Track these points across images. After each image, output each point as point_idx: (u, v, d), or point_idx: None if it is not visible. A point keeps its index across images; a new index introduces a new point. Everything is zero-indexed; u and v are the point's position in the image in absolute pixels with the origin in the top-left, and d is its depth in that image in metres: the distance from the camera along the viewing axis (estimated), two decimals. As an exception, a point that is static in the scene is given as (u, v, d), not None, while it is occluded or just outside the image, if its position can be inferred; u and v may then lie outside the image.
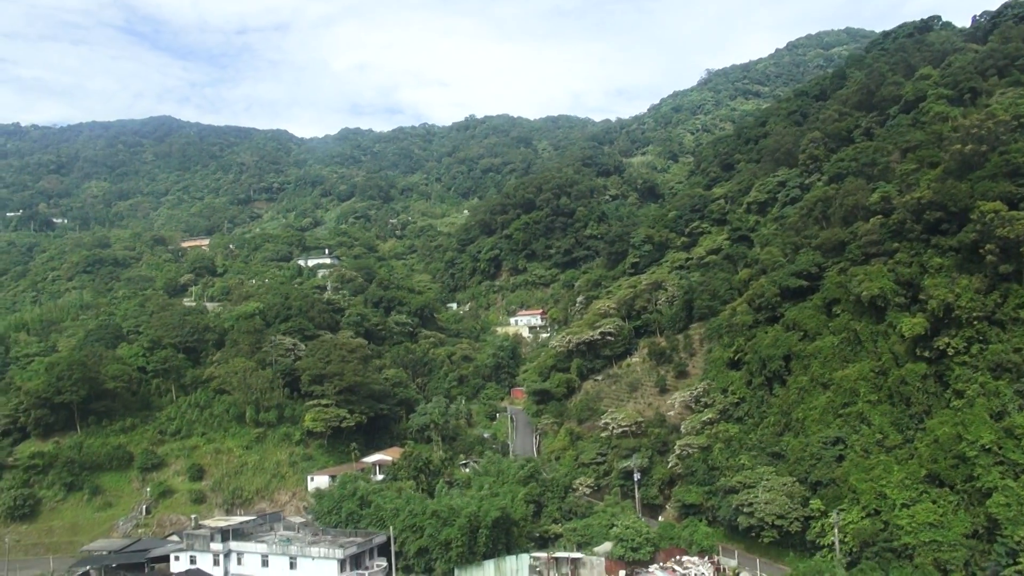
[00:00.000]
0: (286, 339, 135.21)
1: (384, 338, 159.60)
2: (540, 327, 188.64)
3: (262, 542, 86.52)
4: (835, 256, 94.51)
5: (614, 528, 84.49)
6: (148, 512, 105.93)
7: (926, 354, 78.00)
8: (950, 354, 76.27)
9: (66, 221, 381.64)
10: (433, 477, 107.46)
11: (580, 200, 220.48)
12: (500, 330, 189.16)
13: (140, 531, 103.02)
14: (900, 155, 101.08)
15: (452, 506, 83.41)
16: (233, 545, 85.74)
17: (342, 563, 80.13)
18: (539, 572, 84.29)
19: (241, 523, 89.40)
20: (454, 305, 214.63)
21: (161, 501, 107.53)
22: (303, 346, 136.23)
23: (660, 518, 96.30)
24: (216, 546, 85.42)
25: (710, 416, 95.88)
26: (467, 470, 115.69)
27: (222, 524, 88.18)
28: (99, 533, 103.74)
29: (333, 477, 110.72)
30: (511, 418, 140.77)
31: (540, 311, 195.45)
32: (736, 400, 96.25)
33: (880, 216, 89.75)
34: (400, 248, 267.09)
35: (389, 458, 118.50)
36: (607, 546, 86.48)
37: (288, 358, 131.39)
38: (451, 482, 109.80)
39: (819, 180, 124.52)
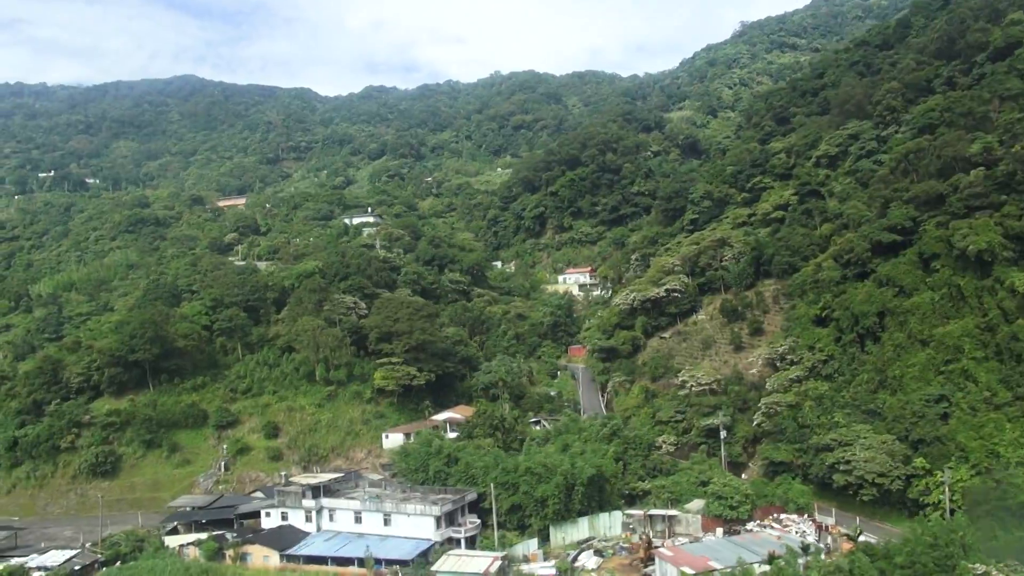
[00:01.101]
0: (347, 297, 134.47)
1: (439, 296, 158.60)
2: (590, 285, 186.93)
3: (353, 498, 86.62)
4: (931, 210, 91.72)
5: (709, 485, 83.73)
6: (227, 469, 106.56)
7: (1038, 310, 75.82)
8: (1065, 309, 74.06)
9: (98, 181, 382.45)
10: (508, 435, 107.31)
11: (626, 156, 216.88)
12: (550, 288, 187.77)
13: (221, 488, 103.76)
14: (999, 104, 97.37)
15: (546, 463, 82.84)
16: (325, 502, 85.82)
17: (438, 519, 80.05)
18: (632, 529, 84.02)
19: (332, 479, 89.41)
20: (498, 264, 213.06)
21: (239, 458, 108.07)
22: (363, 304, 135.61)
23: (743, 476, 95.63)
24: (308, 503, 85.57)
25: (797, 374, 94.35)
26: (538, 428, 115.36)
27: (312, 481, 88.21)
28: (180, 489, 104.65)
29: (407, 435, 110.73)
30: (573, 376, 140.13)
31: (589, 269, 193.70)
32: (824, 358, 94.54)
33: (982, 168, 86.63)
34: (439, 206, 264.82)
35: (459, 416, 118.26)
36: (699, 503, 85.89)
37: (349, 316, 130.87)
38: (524, 439, 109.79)
39: (898, 132, 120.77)
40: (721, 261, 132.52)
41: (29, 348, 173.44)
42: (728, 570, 60.59)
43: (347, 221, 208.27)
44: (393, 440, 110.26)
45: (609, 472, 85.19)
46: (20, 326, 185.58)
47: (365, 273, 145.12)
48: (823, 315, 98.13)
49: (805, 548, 63.85)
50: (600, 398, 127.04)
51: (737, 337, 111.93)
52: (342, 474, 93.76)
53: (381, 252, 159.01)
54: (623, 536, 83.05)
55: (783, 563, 58.66)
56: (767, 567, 60.22)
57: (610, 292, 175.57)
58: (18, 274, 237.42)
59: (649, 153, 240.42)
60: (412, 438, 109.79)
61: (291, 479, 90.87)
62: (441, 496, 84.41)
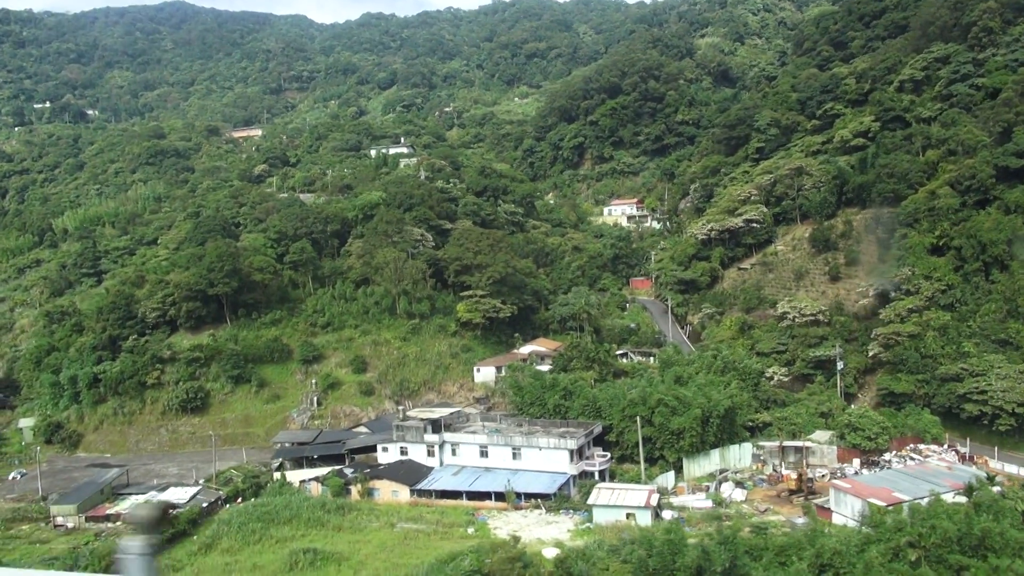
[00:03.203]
0: (415, 229, 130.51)
1: (496, 228, 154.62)
2: (639, 217, 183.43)
3: (475, 432, 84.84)
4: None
5: (841, 416, 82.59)
6: (319, 404, 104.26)
7: None
8: None
9: (97, 113, 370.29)
10: (603, 367, 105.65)
11: (668, 84, 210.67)
12: (598, 220, 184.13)
13: (317, 423, 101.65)
14: None
15: (679, 396, 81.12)
16: (448, 436, 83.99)
17: (572, 453, 78.50)
18: (763, 460, 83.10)
19: (451, 414, 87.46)
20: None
21: (329, 393, 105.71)
22: (430, 237, 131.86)
23: (853, 407, 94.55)
24: (431, 437, 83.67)
25: (916, 303, 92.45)
26: (626, 360, 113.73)
27: (433, 415, 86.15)
28: (272, 425, 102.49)
29: (498, 368, 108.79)
30: (644, 308, 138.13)
31: (636, 200, 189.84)
32: (943, 287, 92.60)
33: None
34: (466, 137, 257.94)
35: (542, 348, 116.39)
36: (823, 434, 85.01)
37: (418, 249, 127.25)
38: (619, 373, 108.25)
39: (995, 55, 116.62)
40: (799, 190, 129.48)
41: (66, 283, 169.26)
42: (915, 501, 59.35)
43: (384, 151, 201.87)
44: (485, 374, 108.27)
45: (738, 404, 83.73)
46: (52, 261, 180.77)
47: (427, 204, 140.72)
48: (939, 244, 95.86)
49: (991, 478, 62.77)
50: (679, 330, 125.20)
51: (835, 268, 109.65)
52: (457, 409, 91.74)
53: (439, 183, 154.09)
54: (755, 468, 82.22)
55: (979, 493, 57.45)
56: (960, 498, 59.02)
57: (666, 224, 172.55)
58: (35, 208, 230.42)
59: (683, 81, 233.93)
60: (503, 371, 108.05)
61: (408, 414, 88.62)
62: (568, 429, 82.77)
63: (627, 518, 67.79)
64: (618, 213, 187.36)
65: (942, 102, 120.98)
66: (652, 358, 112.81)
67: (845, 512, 62.27)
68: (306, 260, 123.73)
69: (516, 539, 57.84)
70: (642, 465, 76.75)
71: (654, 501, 68.70)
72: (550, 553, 59.84)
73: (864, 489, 62.58)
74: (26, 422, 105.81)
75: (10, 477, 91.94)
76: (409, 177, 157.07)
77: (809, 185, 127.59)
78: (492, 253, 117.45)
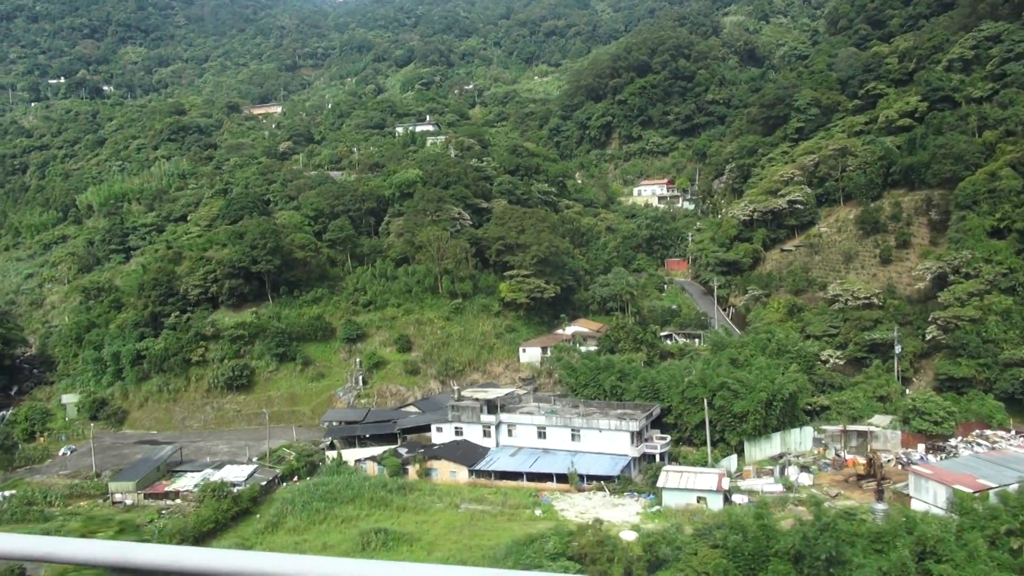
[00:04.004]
0: (453, 208, 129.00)
1: (531, 207, 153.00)
2: (670, 197, 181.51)
3: (531, 413, 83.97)
4: None
5: (907, 400, 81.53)
6: (364, 383, 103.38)
7: None
8: None
9: (112, 88, 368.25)
10: (650, 349, 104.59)
11: (699, 63, 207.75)
12: (628, 200, 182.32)
13: (363, 401, 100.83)
14: None
15: (741, 379, 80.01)
16: (504, 417, 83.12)
17: (634, 435, 77.58)
18: (824, 444, 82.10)
19: (507, 395, 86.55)
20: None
21: (374, 372, 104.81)
22: (467, 215, 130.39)
23: (908, 391, 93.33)
24: (488, 418, 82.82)
25: (976, 287, 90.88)
26: (670, 342, 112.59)
27: (488, 396, 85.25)
28: (318, 404, 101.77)
29: (544, 348, 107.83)
30: (683, 289, 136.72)
31: (666, 180, 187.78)
32: (1004, 271, 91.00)
33: None
34: (489, 115, 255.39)
35: (584, 329, 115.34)
36: (883, 419, 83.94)
37: (456, 227, 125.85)
38: (665, 354, 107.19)
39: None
40: (842, 171, 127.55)
41: (94, 260, 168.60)
42: (1002, 487, 58.28)
43: (412, 129, 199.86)
44: (530, 354, 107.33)
45: (800, 387, 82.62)
46: (78, 237, 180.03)
47: (462, 183, 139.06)
48: (1000, 226, 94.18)
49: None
50: (721, 312, 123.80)
51: (886, 250, 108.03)
52: (511, 390, 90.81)
53: (472, 161, 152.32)
54: (816, 452, 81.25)
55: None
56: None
57: (699, 204, 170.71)
58: (57, 184, 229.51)
59: (712, 60, 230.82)
60: (548, 352, 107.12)
61: (463, 394, 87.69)
62: (625, 411, 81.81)
63: (697, 502, 66.94)
64: (648, 193, 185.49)
65: (994, 81, 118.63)
66: (697, 340, 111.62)
67: (926, 499, 61.25)
68: (345, 238, 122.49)
69: (599, 522, 56.97)
70: (709, 448, 75.76)
71: (725, 485, 67.77)
72: (628, 536, 59.06)
73: (946, 475, 61.50)
74: (69, 398, 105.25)
75: (60, 453, 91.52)
76: (442, 156, 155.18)
77: (854, 166, 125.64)
78: (535, 233, 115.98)
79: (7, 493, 76.54)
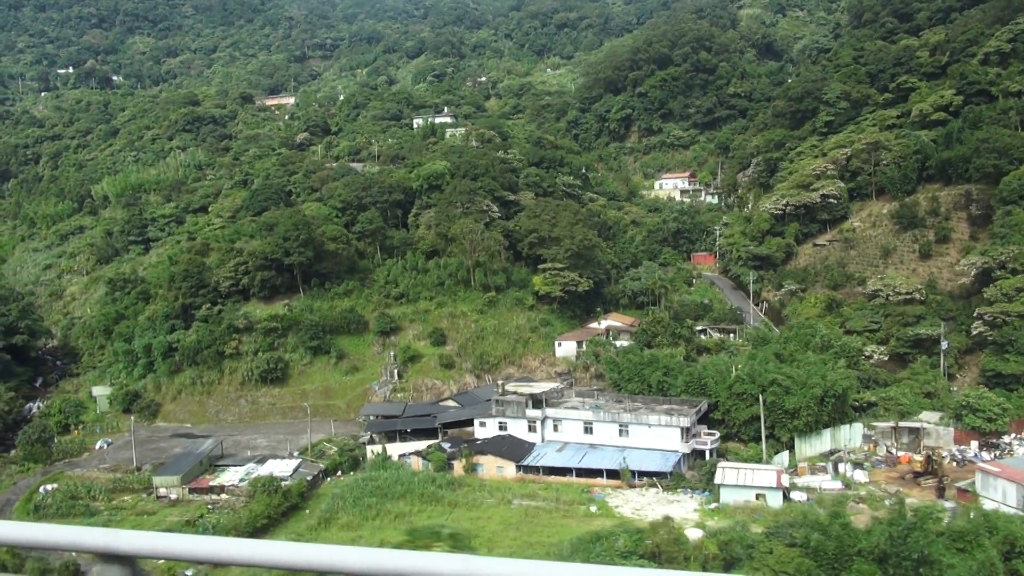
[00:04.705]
0: (483, 200, 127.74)
1: (556, 200, 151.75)
2: (692, 191, 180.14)
3: (576, 408, 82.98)
4: None
5: (959, 396, 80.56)
6: (400, 377, 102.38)
7: None
8: None
9: (121, 79, 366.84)
10: (687, 344, 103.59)
11: (721, 55, 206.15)
12: (650, 194, 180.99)
13: (399, 396, 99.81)
14: None
15: (791, 374, 78.99)
16: (550, 412, 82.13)
17: (684, 431, 76.60)
18: (874, 441, 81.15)
19: (551, 389, 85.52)
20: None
21: (409, 366, 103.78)
22: (495, 208, 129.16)
23: (953, 388, 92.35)
24: (533, 412, 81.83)
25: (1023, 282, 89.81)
26: (704, 337, 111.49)
27: (531, 391, 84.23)
28: (353, 398, 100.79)
29: (579, 342, 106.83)
30: (712, 283, 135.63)
31: (687, 174, 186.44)
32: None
33: None
34: (505, 108, 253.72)
35: (617, 323, 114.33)
36: (932, 415, 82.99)
37: (486, 219, 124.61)
38: (701, 349, 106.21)
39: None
40: (875, 165, 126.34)
41: (112, 251, 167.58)
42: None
43: (431, 120, 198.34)
44: (566, 348, 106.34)
45: (851, 384, 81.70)
46: (95, 228, 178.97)
47: (490, 175, 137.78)
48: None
49: None
50: (754, 307, 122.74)
51: (926, 245, 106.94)
52: (553, 384, 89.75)
53: (500, 153, 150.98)
54: (867, 448, 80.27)
55: None
56: None
57: (724, 198, 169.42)
58: (71, 174, 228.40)
59: (734, 52, 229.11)
60: (584, 346, 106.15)
61: (506, 388, 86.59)
62: (671, 406, 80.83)
63: (756, 499, 66.01)
64: (670, 187, 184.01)
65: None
66: (732, 335, 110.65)
67: (995, 496, 60.32)
68: (374, 230, 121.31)
69: (669, 519, 55.99)
70: (764, 444, 74.77)
71: (785, 482, 66.83)
72: (694, 534, 58.05)
73: (1016, 473, 60.55)
74: (100, 391, 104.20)
75: (97, 446, 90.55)
76: (467, 148, 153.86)
77: (887, 160, 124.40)
78: (569, 226, 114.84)
79: (50, 487, 75.59)
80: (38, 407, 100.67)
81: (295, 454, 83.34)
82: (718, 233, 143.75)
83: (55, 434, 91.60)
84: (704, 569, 51.50)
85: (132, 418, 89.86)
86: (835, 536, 48.57)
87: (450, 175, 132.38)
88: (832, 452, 78.73)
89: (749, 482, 66.90)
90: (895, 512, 51.37)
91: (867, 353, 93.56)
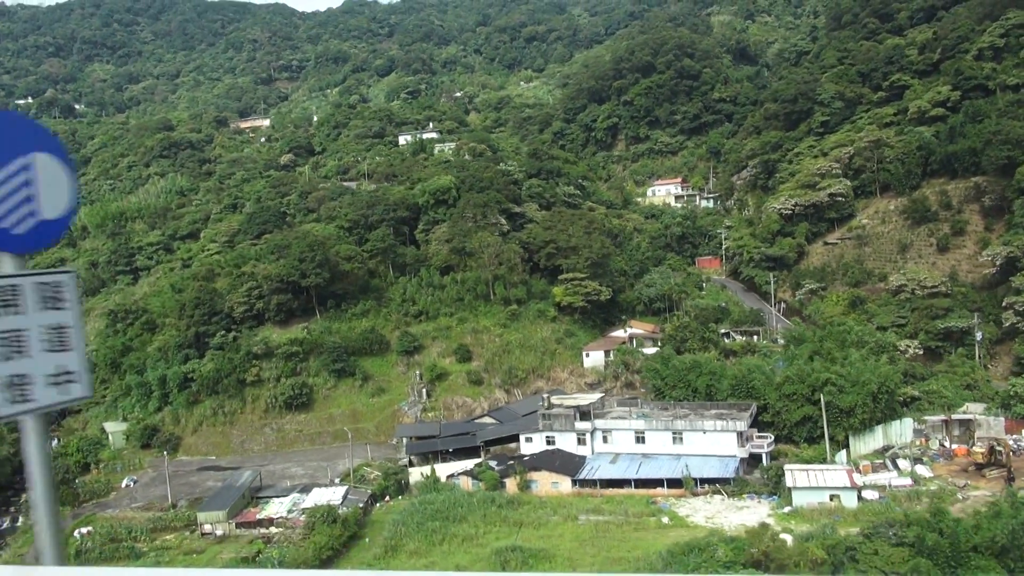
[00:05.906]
0: (493, 213, 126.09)
1: (558, 210, 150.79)
2: (686, 196, 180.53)
3: (623, 418, 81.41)
4: None
5: (1007, 386, 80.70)
6: (429, 396, 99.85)
7: None
8: None
9: (83, 107, 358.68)
10: (713, 347, 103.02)
11: (704, 61, 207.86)
12: (645, 201, 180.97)
13: (430, 415, 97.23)
14: None
15: (843, 373, 78.44)
16: (599, 423, 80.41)
17: (740, 435, 75.51)
18: (925, 435, 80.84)
19: (595, 401, 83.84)
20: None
21: (437, 384, 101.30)
22: (503, 220, 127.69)
23: (989, 379, 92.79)
24: (583, 425, 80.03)
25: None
26: (728, 340, 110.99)
27: (576, 403, 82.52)
28: (382, 420, 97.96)
29: (607, 352, 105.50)
30: (723, 287, 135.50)
31: (680, 180, 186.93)
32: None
33: None
34: (486, 121, 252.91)
35: (639, 330, 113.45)
36: (976, 406, 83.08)
37: (499, 232, 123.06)
38: (728, 352, 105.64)
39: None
40: (879, 162, 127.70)
41: (99, 282, 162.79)
42: None
43: (420, 136, 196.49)
44: (594, 358, 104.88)
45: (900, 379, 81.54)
46: (77, 259, 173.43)
47: (495, 187, 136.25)
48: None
49: None
50: (771, 307, 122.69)
51: (944, 239, 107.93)
52: (598, 397, 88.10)
53: (501, 166, 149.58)
54: (918, 443, 79.88)
55: None
56: None
57: (720, 202, 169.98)
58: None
59: (713, 59, 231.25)
60: (611, 355, 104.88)
61: (552, 401, 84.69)
62: (721, 411, 79.74)
63: (830, 500, 64.97)
64: (663, 193, 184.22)
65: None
66: (756, 337, 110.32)
67: (1074, 484, 60.05)
68: (386, 248, 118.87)
69: (766, 526, 54.58)
70: (827, 445, 73.87)
71: (858, 481, 65.95)
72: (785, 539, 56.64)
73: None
74: (113, 427, 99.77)
75: (123, 484, 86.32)
76: (470, 162, 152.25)
77: (891, 157, 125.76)
78: (586, 235, 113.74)
79: (84, 530, 71.60)
80: (59, 446, 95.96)
81: (337, 481, 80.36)
82: (723, 236, 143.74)
83: (75, 474, 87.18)
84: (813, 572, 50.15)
85: (165, 454, 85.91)
86: (950, 533, 47.63)
87: (456, 190, 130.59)
88: (885, 449, 78.23)
89: (821, 483, 65.89)
90: (999, 505, 50.64)
91: (901, 348, 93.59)
